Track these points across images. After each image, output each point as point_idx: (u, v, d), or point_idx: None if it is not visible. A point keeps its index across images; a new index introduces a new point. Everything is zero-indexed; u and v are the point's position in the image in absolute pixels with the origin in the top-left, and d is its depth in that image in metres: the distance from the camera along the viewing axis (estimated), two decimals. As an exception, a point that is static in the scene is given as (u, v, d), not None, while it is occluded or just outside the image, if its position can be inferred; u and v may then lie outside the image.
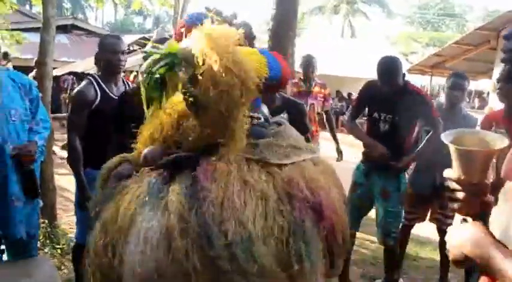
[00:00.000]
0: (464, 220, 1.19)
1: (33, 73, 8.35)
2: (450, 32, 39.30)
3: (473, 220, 1.15)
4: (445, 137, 1.21)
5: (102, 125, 2.85)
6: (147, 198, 1.65)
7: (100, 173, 2.04)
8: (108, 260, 1.65)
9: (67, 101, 12.92)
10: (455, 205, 1.21)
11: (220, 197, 1.59)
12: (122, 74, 3.27)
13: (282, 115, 2.77)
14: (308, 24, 37.37)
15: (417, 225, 4.07)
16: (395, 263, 3.82)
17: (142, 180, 1.77)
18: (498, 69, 7.07)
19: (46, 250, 4.07)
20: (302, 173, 1.80)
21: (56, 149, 7.75)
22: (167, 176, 1.72)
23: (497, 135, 1.21)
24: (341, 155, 5.08)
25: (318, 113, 5.45)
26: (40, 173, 3.06)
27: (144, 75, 1.77)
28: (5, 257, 2.90)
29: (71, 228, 4.55)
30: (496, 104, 5.78)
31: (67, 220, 4.90)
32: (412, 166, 3.81)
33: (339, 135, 5.35)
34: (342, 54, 17.34)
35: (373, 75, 3.57)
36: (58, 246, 4.17)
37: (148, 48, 2.22)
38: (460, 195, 1.19)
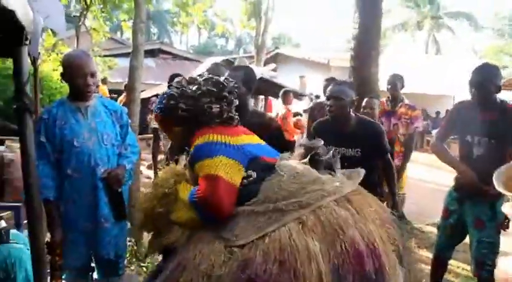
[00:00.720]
0: None
1: (121, 97, 8.82)
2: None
3: None
4: (496, 178, 1.07)
5: None
6: None
7: None
8: None
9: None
10: None
11: None
12: None
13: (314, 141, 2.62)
14: (390, 41, 36.52)
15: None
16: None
17: None
18: None
19: (132, 268, 4.20)
20: (264, 246, 1.69)
21: (142, 168, 8.06)
22: None
23: None
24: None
25: (403, 135, 5.27)
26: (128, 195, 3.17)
27: None
28: (95, 275, 3.02)
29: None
30: None
31: (152, 239, 5.01)
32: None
33: (424, 156, 5.12)
34: (426, 71, 16.72)
35: (459, 92, 3.35)
36: (143, 265, 4.29)
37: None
38: None
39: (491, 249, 3.30)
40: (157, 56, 20.44)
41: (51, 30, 10.28)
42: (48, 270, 2.37)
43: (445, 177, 3.74)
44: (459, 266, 4.49)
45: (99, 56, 11.48)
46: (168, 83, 4.51)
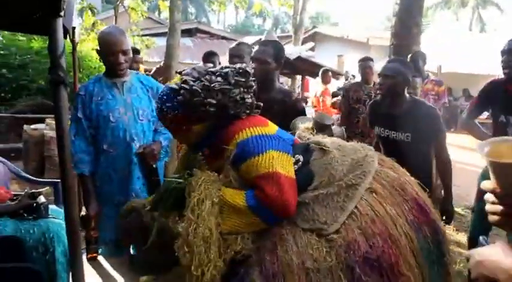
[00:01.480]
0: None
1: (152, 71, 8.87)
2: None
3: None
4: (480, 148, 1.11)
5: None
6: None
7: None
8: None
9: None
10: (495, 218, 1.11)
11: None
12: None
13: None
14: (432, 19, 35.38)
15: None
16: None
17: None
18: None
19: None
20: (358, 222, 1.67)
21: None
22: None
23: None
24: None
25: None
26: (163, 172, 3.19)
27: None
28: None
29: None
30: None
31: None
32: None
33: (463, 138, 4.94)
34: (470, 50, 16.11)
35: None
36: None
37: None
38: (498, 208, 1.10)
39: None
40: (195, 36, 20.49)
41: (91, 10, 10.44)
42: (84, 246, 2.41)
43: (481, 160, 3.60)
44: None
45: (138, 35, 11.59)
46: (203, 61, 4.48)
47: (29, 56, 9.62)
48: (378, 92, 3.28)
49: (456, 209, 5.79)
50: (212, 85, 1.84)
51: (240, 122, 1.88)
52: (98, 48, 2.76)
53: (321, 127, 2.37)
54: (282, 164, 1.76)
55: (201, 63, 4.33)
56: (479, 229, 3.45)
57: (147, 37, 12.35)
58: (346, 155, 1.86)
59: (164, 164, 3.11)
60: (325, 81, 8.33)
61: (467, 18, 35.03)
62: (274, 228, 1.74)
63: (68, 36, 3.03)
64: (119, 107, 2.75)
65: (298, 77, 14.27)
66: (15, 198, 3.01)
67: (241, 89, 1.90)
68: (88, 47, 9.77)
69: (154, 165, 2.82)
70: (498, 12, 34.92)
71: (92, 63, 9.50)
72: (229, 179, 1.82)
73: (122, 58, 2.71)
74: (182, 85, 1.85)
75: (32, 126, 7.02)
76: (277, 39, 3.28)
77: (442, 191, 3.18)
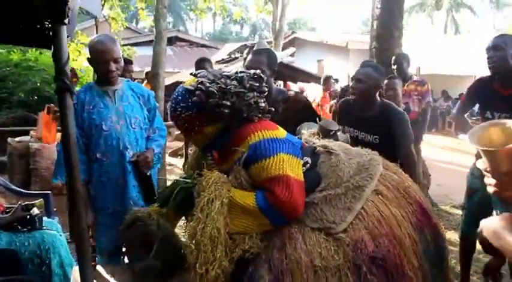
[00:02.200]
0: None
1: (143, 84, 8.83)
2: None
3: None
4: (471, 136, 1.25)
5: None
6: None
7: None
8: None
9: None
10: (491, 190, 1.25)
11: None
12: None
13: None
14: (407, 23, 35.92)
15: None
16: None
17: None
18: None
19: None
20: (364, 223, 1.74)
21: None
22: None
23: None
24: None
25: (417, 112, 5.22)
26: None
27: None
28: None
29: (183, 232, 4.69)
30: None
31: (179, 223, 5.05)
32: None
33: (447, 139, 5.05)
34: (447, 52, 16.40)
35: (481, 71, 3.26)
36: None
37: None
38: (492, 180, 1.24)
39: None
40: (175, 44, 20.47)
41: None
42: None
43: (469, 160, 3.68)
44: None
45: (120, 45, 11.53)
46: (196, 67, 4.48)
47: (8, 68, 9.50)
48: (351, 95, 3.38)
49: (443, 208, 5.89)
50: (228, 87, 1.88)
51: (252, 125, 1.92)
52: (89, 56, 2.76)
53: (326, 133, 2.41)
54: (291, 167, 1.81)
55: (183, 72, 4.34)
56: (471, 226, 3.51)
57: (128, 47, 12.30)
58: (352, 158, 1.92)
59: (157, 170, 3.11)
60: (327, 88, 8.40)
61: (442, 21, 35.65)
62: (283, 227, 1.77)
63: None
64: (111, 115, 2.75)
65: (280, 83, 14.33)
66: (8, 211, 2.97)
67: (255, 93, 1.95)
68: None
69: (148, 173, 2.83)
70: (471, 15, 35.68)
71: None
72: (239, 181, 1.84)
73: (113, 66, 2.71)
74: (198, 86, 1.87)
75: (17, 139, 6.92)
76: (268, 47, 3.30)
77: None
